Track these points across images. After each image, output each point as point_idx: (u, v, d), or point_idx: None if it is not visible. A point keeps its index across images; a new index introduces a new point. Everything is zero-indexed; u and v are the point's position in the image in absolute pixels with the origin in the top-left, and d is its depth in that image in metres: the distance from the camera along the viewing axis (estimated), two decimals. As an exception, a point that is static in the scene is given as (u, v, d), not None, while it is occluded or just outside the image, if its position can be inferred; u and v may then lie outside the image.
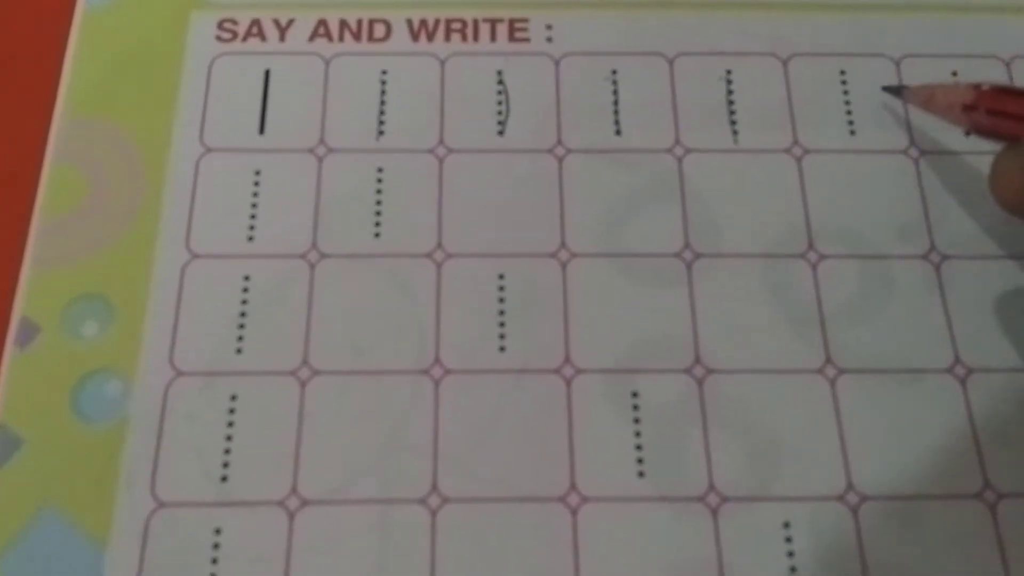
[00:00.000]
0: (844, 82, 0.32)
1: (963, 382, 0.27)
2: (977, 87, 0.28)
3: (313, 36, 0.32)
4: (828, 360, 0.27)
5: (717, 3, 0.33)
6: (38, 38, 0.32)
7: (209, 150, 0.30)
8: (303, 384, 0.27)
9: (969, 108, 0.28)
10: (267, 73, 0.31)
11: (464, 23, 0.32)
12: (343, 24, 0.32)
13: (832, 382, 0.27)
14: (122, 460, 0.26)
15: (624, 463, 0.26)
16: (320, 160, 0.30)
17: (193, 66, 0.31)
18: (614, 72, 0.32)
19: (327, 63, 0.32)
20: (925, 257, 0.29)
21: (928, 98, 0.30)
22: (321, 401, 0.27)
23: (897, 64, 0.32)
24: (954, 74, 0.32)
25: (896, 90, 0.31)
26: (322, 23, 0.32)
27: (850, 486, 0.26)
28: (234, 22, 0.32)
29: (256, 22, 0.32)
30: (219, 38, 0.32)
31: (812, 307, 0.28)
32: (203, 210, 0.29)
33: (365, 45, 0.32)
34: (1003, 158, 0.28)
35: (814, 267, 0.29)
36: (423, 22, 0.32)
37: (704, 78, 0.32)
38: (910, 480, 0.26)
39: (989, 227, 0.29)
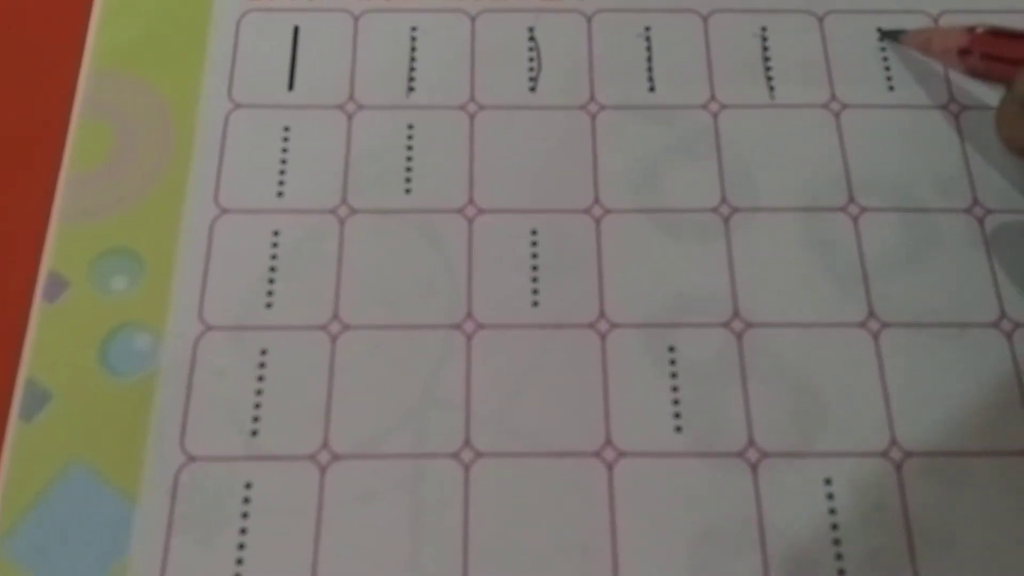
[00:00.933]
0: (880, 39, 0.31)
1: (1009, 336, 0.26)
2: (971, 30, 0.27)
3: (343, -7, 0.32)
4: (871, 314, 0.27)
5: (752, -41, 0.32)
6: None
7: (238, 106, 0.30)
8: (334, 339, 0.27)
9: (964, 52, 0.27)
10: (296, 29, 0.31)
11: (495, -21, 0.32)
12: (373, -20, 0.32)
13: (875, 336, 0.27)
14: (152, 414, 0.26)
15: (661, 418, 0.26)
16: (350, 117, 0.30)
17: (221, 21, 0.31)
18: (647, 29, 0.31)
19: (356, 19, 0.31)
20: (968, 211, 0.28)
21: (925, 43, 0.29)
22: (352, 356, 0.26)
23: (935, 20, 0.31)
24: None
25: (894, 35, 0.30)
26: (350, -21, 0.32)
27: (893, 442, 0.25)
28: (262, -20, 0.32)
29: (285, -22, 0.32)
30: (247, -4, 0.32)
31: (854, 260, 0.27)
32: (232, 166, 0.29)
33: (394, 1, 0.32)
34: (1002, 102, 0.27)
35: (855, 220, 0.28)
36: (454, -22, 0.32)
37: (739, 35, 0.31)
38: (955, 436, 0.26)
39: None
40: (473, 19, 0.31)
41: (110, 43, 0.30)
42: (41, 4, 0.32)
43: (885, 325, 0.27)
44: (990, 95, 0.30)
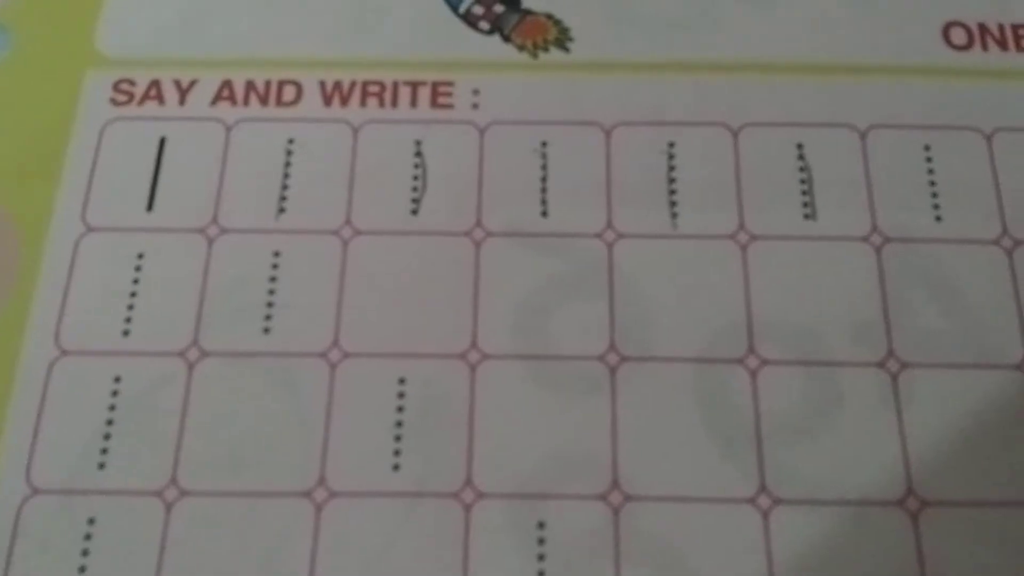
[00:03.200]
0: (801, 156, 0.28)
1: (915, 517, 0.24)
2: None
3: (216, 99, 0.29)
4: (763, 488, 0.24)
5: (664, 64, 0.29)
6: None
7: (91, 229, 0.27)
8: (168, 507, 0.24)
9: None
10: (162, 141, 0.29)
11: (383, 86, 0.29)
12: (250, 86, 0.29)
13: (765, 515, 0.24)
14: (-31, 587, 0.24)
15: (526, 605, 0.23)
16: (211, 242, 0.27)
17: (83, 132, 0.29)
18: (544, 144, 0.28)
19: (229, 130, 0.29)
20: (881, 365, 0.25)
21: None
22: (186, 527, 0.24)
23: (863, 136, 0.28)
24: (926, 148, 0.28)
25: None
26: (227, 84, 0.29)
27: (782, 637, 0.23)
28: (132, 83, 0.29)
29: (155, 83, 0.29)
30: (114, 101, 0.29)
31: (748, 423, 0.25)
32: (77, 299, 0.26)
33: (272, 109, 0.29)
34: None
35: (753, 374, 0.25)
36: (337, 84, 0.29)
37: (644, 150, 0.28)
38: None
39: (960, 328, 0.26)
40: (356, 130, 0.29)
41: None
42: None
43: (777, 502, 0.24)
44: (921, 224, 0.27)
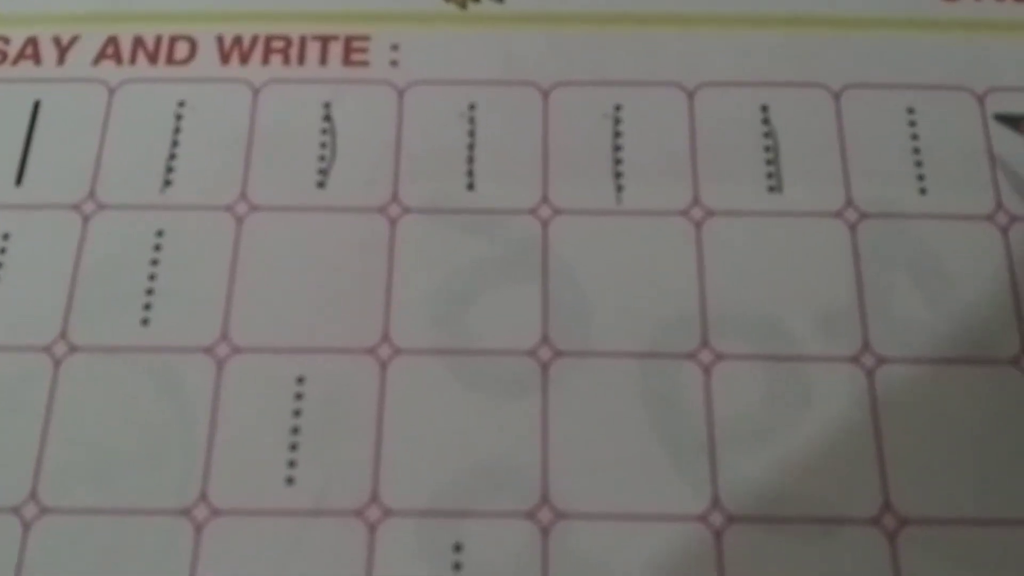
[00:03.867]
0: (766, 120, 0.25)
1: (892, 538, 0.20)
2: None
3: (99, 58, 0.26)
4: (716, 503, 0.21)
5: (609, 16, 0.26)
6: None
7: (-51, 207, 0.24)
8: (27, 525, 0.21)
9: None
10: (36, 105, 0.25)
11: (288, 41, 0.26)
12: (138, 42, 0.26)
13: (718, 534, 0.21)
14: None
15: (436, 643, 0.20)
16: (86, 219, 0.24)
17: (-55, 95, 0.25)
18: (472, 107, 0.25)
19: (112, 92, 0.25)
20: (855, 360, 0.22)
21: None
22: (47, 549, 0.20)
23: (837, 97, 0.25)
24: (909, 111, 0.25)
25: (1014, 121, 0.24)
26: (112, 41, 0.26)
27: None
28: (5, 40, 0.26)
29: (32, 40, 0.26)
30: (-18, 59, 0.26)
31: (699, 428, 0.21)
32: (-72, 287, 0.23)
33: (162, 69, 0.25)
34: None
35: (707, 371, 0.22)
36: (237, 40, 0.26)
37: (585, 114, 0.25)
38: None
39: (947, 318, 0.22)
40: (257, 92, 0.25)
41: None
42: None
43: (732, 520, 0.21)
44: (904, 198, 0.24)
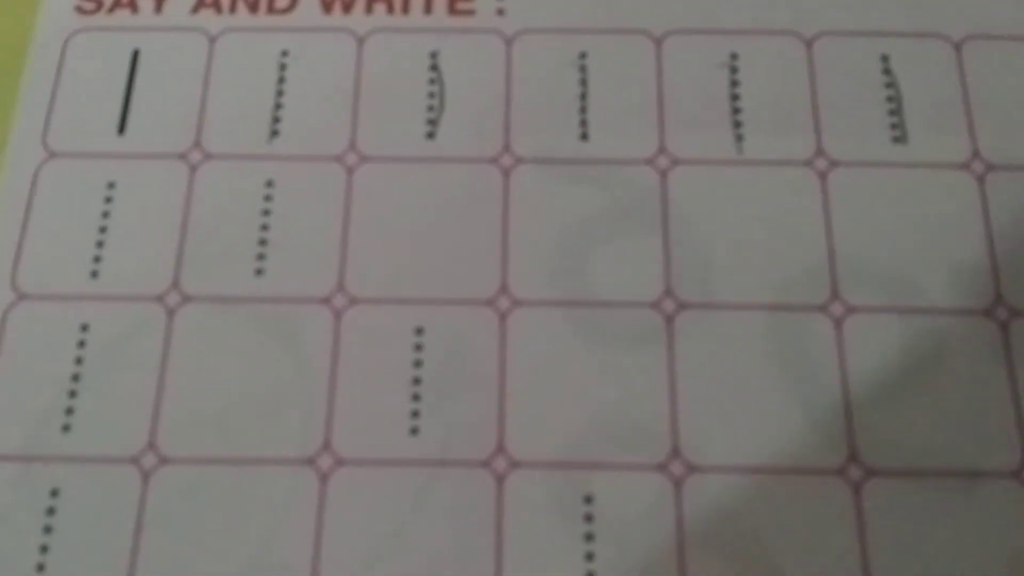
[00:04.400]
0: (887, 71, 0.24)
1: (1039, 493, 0.20)
2: None
3: (198, 6, 0.25)
4: (852, 457, 0.20)
5: (722, -36, 0.25)
6: None
7: (53, 155, 0.23)
8: (146, 476, 0.20)
9: None
10: (135, 54, 0.24)
11: (392, -10, 0.25)
12: (238, -10, 0.25)
13: (856, 488, 0.20)
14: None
15: (571, 593, 0.20)
16: (193, 169, 0.23)
17: (43, 46, 0.24)
18: (583, 56, 0.24)
19: (212, 41, 0.25)
20: (988, 313, 0.22)
21: None
22: (167, 498, 0.20)
23: (958, 48, 0.24)
24: (1034, 61, 0.24)
25: None
26: (211, -12, 0.25)
27: (877, 633, 0.19)
28: (101, -12, 0.25)
29: (129, -13, 0.25)
30: (79, 9, 0.25)
31: (833, 381, 0.21)
32: (38, 236, 0.22)
33: (263, 18, 0.25)
34: None
35: (838, 324, 0.21)
36: (340, -12, 0.25)
37: (700, 65, 0.24)
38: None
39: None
40: (361, 41, 0.25)
41: None
42: None
43: (871, 473, 0.20)
44: (1025, 148, 0.23)
